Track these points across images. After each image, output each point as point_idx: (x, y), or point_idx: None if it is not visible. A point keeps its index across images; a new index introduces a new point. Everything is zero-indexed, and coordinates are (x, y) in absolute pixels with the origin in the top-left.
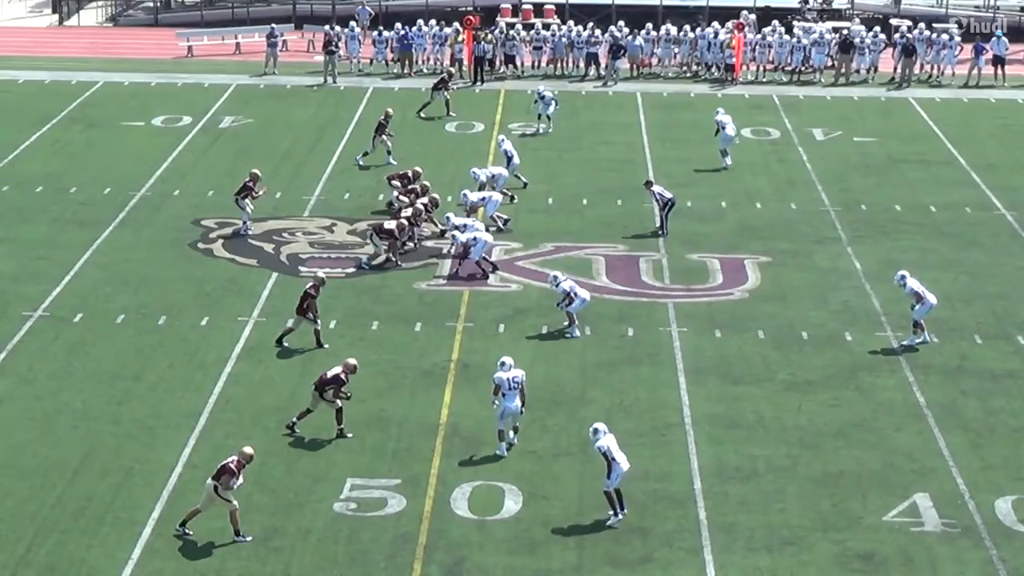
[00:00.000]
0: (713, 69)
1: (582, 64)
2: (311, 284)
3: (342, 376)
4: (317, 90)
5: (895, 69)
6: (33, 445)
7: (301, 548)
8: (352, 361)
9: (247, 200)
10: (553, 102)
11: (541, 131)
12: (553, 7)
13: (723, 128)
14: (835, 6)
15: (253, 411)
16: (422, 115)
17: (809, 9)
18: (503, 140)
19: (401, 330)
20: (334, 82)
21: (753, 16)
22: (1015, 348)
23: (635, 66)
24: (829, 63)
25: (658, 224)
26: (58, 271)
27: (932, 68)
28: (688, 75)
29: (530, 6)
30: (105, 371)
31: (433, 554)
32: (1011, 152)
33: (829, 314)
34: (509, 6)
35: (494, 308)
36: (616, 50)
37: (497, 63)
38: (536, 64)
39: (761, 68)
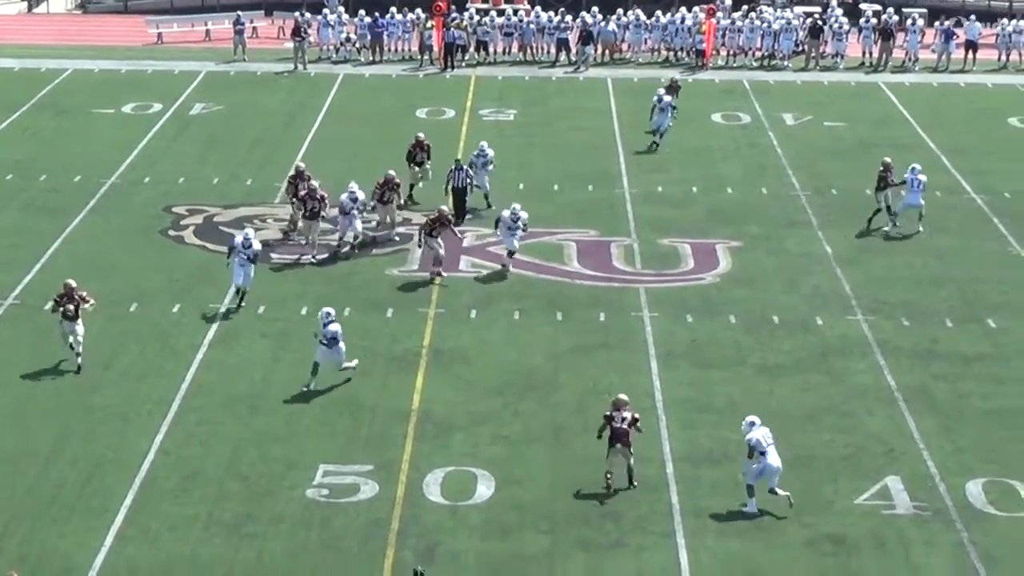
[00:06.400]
0: (684, 54)
1: (552, 50)
2: None
3: None
4: (287, 77)
5: (864, 53)
6: (4, 433)
7: (274, 534)
8: None
9: None
10: (671, 108)
11: (654, 148)
12: None
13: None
14: None
15: (225, 397)
16: None
17: None
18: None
19: (373, 316)
20: (304, 68)
21: (728, 1)
22: (985, 331)
23: (606, 51)
24: (799, 48)
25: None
26: (29, 259)
27: (904, 54)
28: (659, 60)
29: None
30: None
31: (406, 540)
32: (981, 136)
33: (800, 298)
34: None
35: (466, 294)
36: (587, 36)
37: (470, 50)
38: (507, 50)
39: (731, 53)
